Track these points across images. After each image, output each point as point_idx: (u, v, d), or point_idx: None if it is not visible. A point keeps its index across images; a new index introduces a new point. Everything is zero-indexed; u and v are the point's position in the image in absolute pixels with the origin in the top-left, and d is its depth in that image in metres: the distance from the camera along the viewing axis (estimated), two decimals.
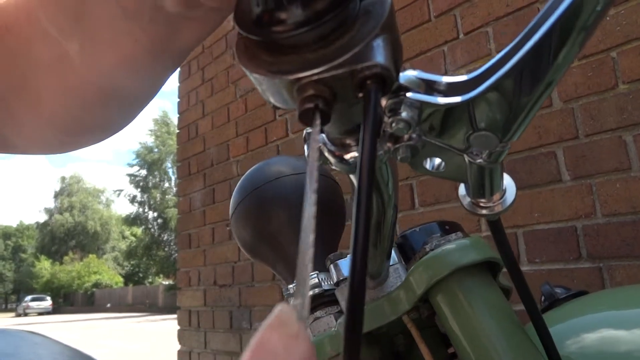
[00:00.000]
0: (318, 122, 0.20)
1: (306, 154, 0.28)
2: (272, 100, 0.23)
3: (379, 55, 0.20)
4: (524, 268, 1.32)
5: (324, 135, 0.27)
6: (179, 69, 2.98)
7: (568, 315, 0.40)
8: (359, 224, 0.18)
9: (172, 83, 2.93)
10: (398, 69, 0.23)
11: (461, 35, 1.54)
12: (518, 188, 0.29)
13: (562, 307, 0.42)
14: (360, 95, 0.20)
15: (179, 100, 2.97)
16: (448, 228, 0.39)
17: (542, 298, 0.46)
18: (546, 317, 0.41)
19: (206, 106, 2.73)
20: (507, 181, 0.30)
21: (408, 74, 0.25)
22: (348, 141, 0.26)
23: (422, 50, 1.63)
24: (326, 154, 0.27)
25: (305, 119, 0.20)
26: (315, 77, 0.20)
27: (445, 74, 1.59)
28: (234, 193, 0.53)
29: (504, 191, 0.29)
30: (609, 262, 1.19)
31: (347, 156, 0.26)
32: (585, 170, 1.24)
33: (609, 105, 1.21)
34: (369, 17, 0.21)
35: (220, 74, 2.64)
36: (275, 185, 0.50)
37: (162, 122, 32.20)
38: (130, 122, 0.32)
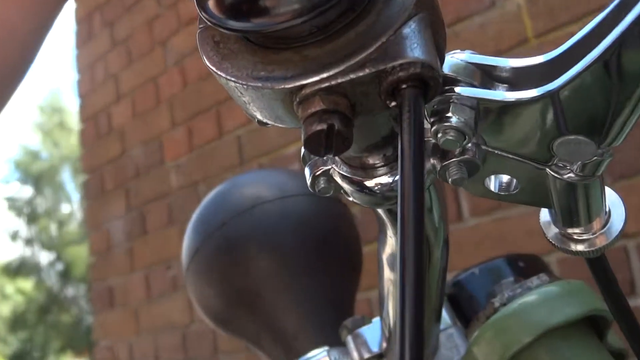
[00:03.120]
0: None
1: (307, 180, 0.21)
2: (259, 116, 0.17)
3: (417, 47, 0.15)
4: None
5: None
6: (74, 27, 2.11)
7: None
8: (405, 283, 0.13)
9: (67, 50, 2.21)
10: (442, 61, 0.18)
11: None
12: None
13: None
14: (393, 104, 0.15)
15: (78, 76, 2.00)
16: (523, 266, 0.30)
17: None
18: None
19: (121, 82, 1.84)
20: (612, 199, 0.23)
21: (455, 59, 0.19)
22: (371, 160, 0.20)
23: None
24: (338, 179, 0.21)
25: (316, 146, 0.15)
26: (325, 84, 0.15)
27: None
28: (186, 235, 0.39)
29: (608, 214, 0.22)
30: None
31: (370, 183, 0.20)
32: None
33: None
34: None
35: (138, 31, 1.75)
36: (252, 218, 0.36)
37: (52, 110, 26.00)
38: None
